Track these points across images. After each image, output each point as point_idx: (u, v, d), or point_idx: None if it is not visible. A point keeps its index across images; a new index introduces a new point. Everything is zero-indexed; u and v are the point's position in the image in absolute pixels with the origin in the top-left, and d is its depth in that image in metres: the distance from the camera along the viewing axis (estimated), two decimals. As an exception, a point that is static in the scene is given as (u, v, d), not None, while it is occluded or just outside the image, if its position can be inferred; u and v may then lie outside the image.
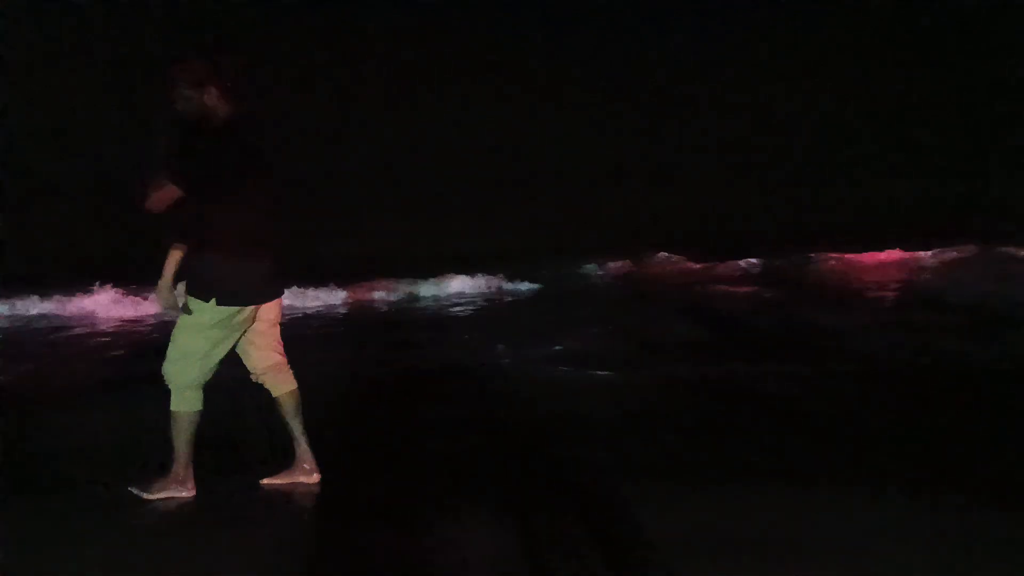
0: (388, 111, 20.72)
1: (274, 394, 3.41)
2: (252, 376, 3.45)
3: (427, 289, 11.64)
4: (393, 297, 11.44)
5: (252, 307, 3.24)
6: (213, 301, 3.10)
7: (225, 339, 3.22)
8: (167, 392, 3.23)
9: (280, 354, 3.44)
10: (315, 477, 3.40)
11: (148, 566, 2.69)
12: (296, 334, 7.58)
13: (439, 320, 9.26)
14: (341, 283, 11.29)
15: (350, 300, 10.99)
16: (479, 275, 11.95)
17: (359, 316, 10.01)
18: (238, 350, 3.39)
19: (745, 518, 2.86)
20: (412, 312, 10.14)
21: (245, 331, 3.31)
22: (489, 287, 11.82)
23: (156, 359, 3.29)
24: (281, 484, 3.38)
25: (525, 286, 11.94)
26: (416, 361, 6.47)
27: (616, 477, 3.34)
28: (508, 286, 11.88)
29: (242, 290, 3.17)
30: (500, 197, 18.43)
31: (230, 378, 3.40)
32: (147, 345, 7.32)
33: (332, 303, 10.76)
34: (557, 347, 6.50)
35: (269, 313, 3.35)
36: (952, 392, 4.67)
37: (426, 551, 2.70)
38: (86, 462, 3.81)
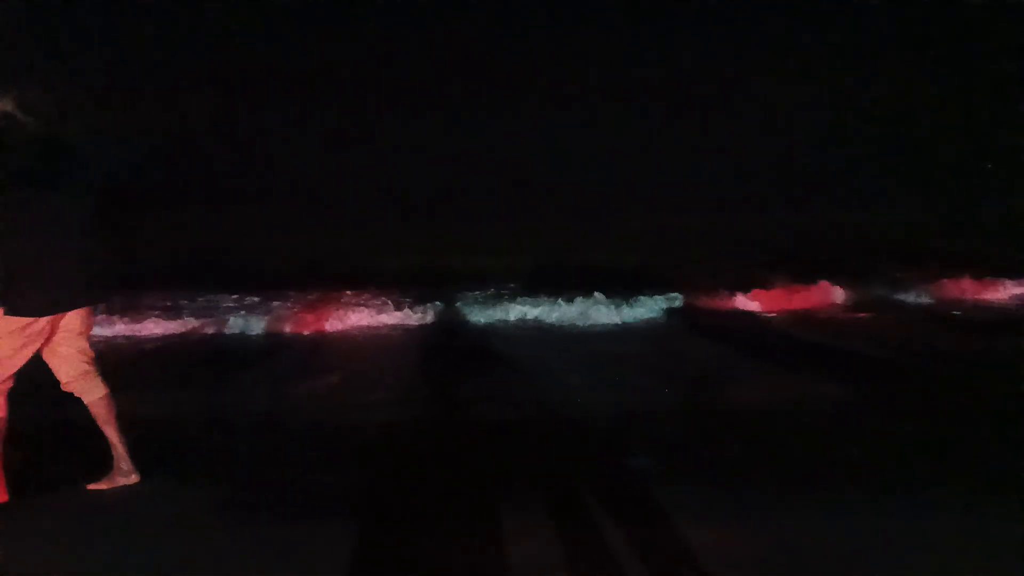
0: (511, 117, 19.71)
1: (85, 400, 3.45)
2: (62, 386, 3.46)
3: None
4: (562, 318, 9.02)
5: (47, 317, 3.24)
6: (2, 311, 3.13)
7: (22, 348, 3.21)
8: None
9: (88, 363, 3.44)
10: (133, 478, 3.45)
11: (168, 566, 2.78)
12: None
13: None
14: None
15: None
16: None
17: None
18: (45, 360, 3.40)
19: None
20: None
21: (48, 341, 3.32)
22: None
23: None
24: (106, 488, 3.43)
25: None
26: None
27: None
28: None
29: (35, 300, 3.18)
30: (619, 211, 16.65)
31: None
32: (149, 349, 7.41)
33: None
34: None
35: (72, 323, 3.36)
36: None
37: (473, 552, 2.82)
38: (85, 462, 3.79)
